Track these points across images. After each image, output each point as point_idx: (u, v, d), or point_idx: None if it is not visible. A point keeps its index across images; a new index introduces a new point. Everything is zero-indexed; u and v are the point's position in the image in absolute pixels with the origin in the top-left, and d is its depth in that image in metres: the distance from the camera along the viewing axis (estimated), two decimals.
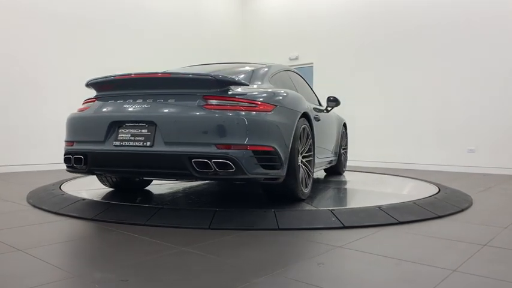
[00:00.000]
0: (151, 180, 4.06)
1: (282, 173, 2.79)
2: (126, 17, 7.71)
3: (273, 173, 2.74)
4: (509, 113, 6.66)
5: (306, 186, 3.18)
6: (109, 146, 2.78)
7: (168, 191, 3.88)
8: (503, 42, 6.72)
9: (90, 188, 3.94)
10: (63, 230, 2.62)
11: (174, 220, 2.68)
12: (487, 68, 6.87)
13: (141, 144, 2.69)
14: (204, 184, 4.26)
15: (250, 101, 2.69)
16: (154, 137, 2.66)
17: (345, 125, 5.46)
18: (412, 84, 7.66)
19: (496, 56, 6.78)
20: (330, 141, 4.49)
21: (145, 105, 2.75)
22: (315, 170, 3.81)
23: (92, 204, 3.13)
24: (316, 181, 4.74)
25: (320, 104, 4.63)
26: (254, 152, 2.59)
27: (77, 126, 2.99)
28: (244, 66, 3.54)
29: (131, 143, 2.72)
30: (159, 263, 1.92)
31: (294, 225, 2.62)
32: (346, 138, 5.60)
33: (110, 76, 2.89)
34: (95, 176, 4.35)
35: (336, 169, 5.22)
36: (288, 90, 3.22)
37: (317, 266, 1.89)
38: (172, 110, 2.69)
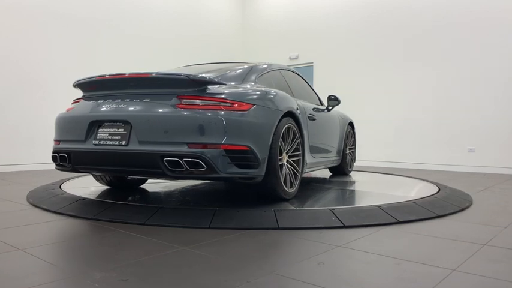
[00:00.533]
0: (146, 179, 4.07)
1: (260, 172, 2.79)
2: (126, 16, 7.70)
3: (249, 172, 2.75)
4: (510, 113, 6.66)
5: (292, 186, 3.16)
6: (89, 145, 2.86)
7: (168, 190, 3.88)
8: (504, 42, 6.71)
9: (90, 187, 3.94)
10: (63, 229, 2.62)
11: (174, 219, 2.68)
12: (487, 68, 6.87)
13: (117, 143, 2.75)
14: (204, 184, 4.26)
15: (225, 100, 2.70)
16: (129, 136, 2.72)
17: (351, 124, 5.32)
18: (413, 84, 7.66)
19: (496, 55, 6.78)
20: (330, 141, 4.45)
21: (122, 105, 2.82)
22: (310, 169, 3.87)
23: (91, 203, 3.13)
24: (317, 180, 4.74)
25: (321, 104, 4.60)
26: (227, 151, 2.61)
27: (62, 125, 3.08)
28: (234, 66, 3.50)
29: (108, 142, 2.79)
30: (159, 262, 1.92)
31: (294, 224, 2.62)
32: (353, 138, 5.44)
33: (92, 77, 2.96)
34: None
35: (340, 169, 5.13)
36: (271, 89, 3.19)
37: (317, 265, 1.89)
38: (146, 109, 2.74)
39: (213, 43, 9.26)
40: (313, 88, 4.73)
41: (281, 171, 3.01)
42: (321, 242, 2.29)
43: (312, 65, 9.02)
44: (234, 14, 10.05)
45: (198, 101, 2.67)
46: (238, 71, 3.32)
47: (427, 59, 7.48)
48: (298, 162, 3.29)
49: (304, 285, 1.64)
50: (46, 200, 3.35)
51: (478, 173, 6.60)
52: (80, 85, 3.10)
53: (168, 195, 3.62)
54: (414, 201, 3.24)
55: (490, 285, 1.69)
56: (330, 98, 4.50)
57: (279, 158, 2.98)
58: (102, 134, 2.84)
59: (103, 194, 3.60)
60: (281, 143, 3.01)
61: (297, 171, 3.25)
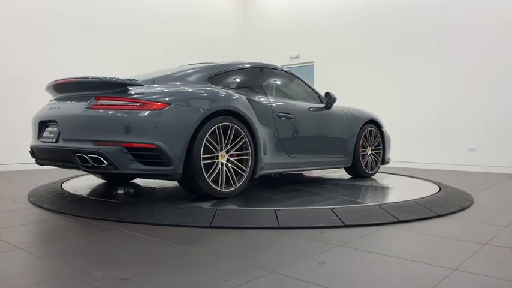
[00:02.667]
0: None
1: (175, 170, 2.84)
2: (126, 16, 7.70)
3: (161, 169, 2.82)
4: (510, 112, 6.66)
5: (229, 185, 3.15)
6: (39, 142, 3.26)
7: (169, 189, 3.88)
8: (504, 42, 6.70)
9: (91, 186, 3.95)
10: (63, 228, 2.63)
11: (175, 218, 2.68)
12: (487, 67, 6.86)
13: (50, 140, 3.10)
14: None
15: (136, 100, 2.82)
16: (58, 134, 3.03)
17: (373, 122, 4.86)
18: (413, 83, 7.65)
19: (496, 55, 6.77)
20: (326, 141, 4.28)
21: (56, 107, 3.17)
22: (285, 170, 3.86)
23: (92, 202, 3.14)
24: (319, 180, 4.73)
25: (321, 102, 4.41)
26: (128, 148, 2.74)
27: (31, 125, 3.47)
28: (188, 67, 3.60)
29: (47, 140, 3.16)
30: (160, 261, 1.92)
31: (294, 223, 2.62)
32: (378, 138, 4.89)
33: (48, 84, 3.32)
34: (94, 175, 4.40)
35: (355, 171, 4.71)
36: (200, 89, 3.17)
37: (318, 264, 1.89)
38: (68, 110, 3.03)
39: (213, 42, 9.25)
40: (312, 87, 4.50)
41: (215, 169, 3.04)
42: (322, 241, 2.29)
43: (313, 65, 9.01)
44: (235, 13, 10.04)
45: (111, 102, 2.84)
46: (181, 73, 3.42)
47: (427, 58, 7.47)
48: (244, 162, 3.27)
49: (305, 285, 1.64)
50: (47, 199, 3.35)
51: (478, 172, 6.60)
52: (46, 90, 3.47)
53: (169, 194, 3.62)
54: (415, 200, 3.24)
55: (490, 284, 1.69)
56: (325, 95, 4.38)
57: (212, 156, 3.03)
58: (46, 133, 3.21)
59: (104, 193, 3.60)
60: (215, 142, 3.05)
61: (242, 170, 3.24)
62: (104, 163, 2.74)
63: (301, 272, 1.78)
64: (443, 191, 3.77)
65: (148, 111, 2.79)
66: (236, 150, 3.23)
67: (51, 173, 5.09)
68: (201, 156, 2.93)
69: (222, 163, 3.11)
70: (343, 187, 4.14)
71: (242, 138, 3.23)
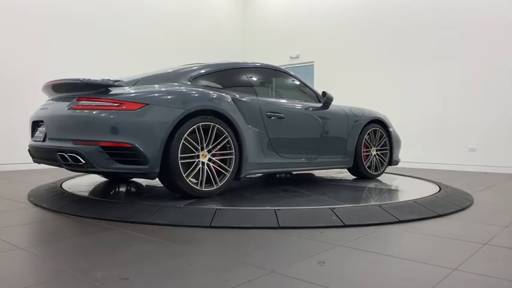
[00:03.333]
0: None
1: (152, 169, 2.89)
2: (126, 16, 7.70)
3: (138, 168, 2.89)
4: (511, 112, 6.65)
5: (211, 184, 3.17)
6: (32, 141, 3.40)
7: None
8: (504, 42, 6.70)
9: (91, 186, 3.95)
10: (63, 228, 2.63)
11: (175, 218, 2.68)
12: (488, 67, 6.85)
13: (39, 139, 3.24)
14: None
15: (114, 101, 2.89)
16: (45, 134, 3.15)
17: (379, 122, 4.72)
18: (413, 83, 7.65)
19: (496, 55, 6.77)
20: (322, 141, 4.16)
21: (46, 107, 3.29)
22: (274, 170, 3.83)
23: (92, 202, 3.14)
24: (321, 180, 4.73)
25: (320, 101, 4.32)
26: (104, 147, 2.80)
27: (28, 124, 3.58)
28: (183, 67, 3.63)
29: (37, 139, 3.29)
30: (160, 261, 1.92)
31: (294, 223, 2.62)
32: (384, 138, 4.74)
33: (43, 85, 3.43)
34: (95, 175, 4.40)
35: (358, 171, 4.58)
36: (181, 90, 3.21)
37: (318, 264, 1.89)
38: (53, 110, 3.15)
39: (213, 42, 9.25)
40: (311, 86, 4.39)
41: (194, 168, 3.07)
42: (322, 241, 2.29)
43: (313, 64, 9.01)
44: (235, 13, 10.04)
45: (90, 102, 2.91)
46: (166, 74, 3.47)
47: (427, 58, 7.47)
48: (227, 161, 3.28)
49: (305, 285, 1.64)
50: (47, 199, 3.35)
51: (478, 173, 6.60)
52: (42, 91, 3.57)
53: (169, 193, 3.62)
54: (415, 200, 3.24)
55: (490, 284, 1.69)
56: (322, 95, 4.30)
57: (192, 155, 3.07)
58: (37, 133, 3.34)
59: (104, 193, 3.61)
60: (196, 141, 3.08)
61: (225, 170, 3.26)
62: (82, 162, 2.83)
63: (301, 272, 1.78)
64: (443, 191, 3.77)
65: (125, 112, 2.85)
66: (220, 150, 3.24)
67: (51, 173, 5.10)
68: (179, 155, 2.96)
69: (203, 162, 3.13)
70: (344, 187, 4.13)
71: (225, 137, 3.23)
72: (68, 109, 2.96)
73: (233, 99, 3.40)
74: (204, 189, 3.12)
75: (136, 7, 7.87)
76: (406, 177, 5.15)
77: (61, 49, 6.76)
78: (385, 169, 4.83)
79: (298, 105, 4.11)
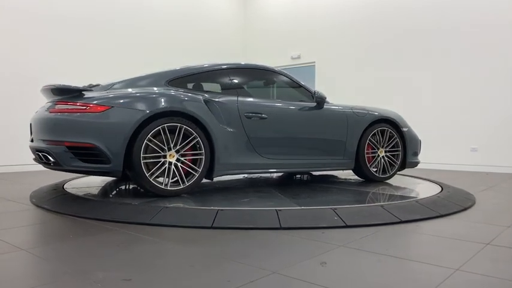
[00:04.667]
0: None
1: (115, 167, 3.04)
2: (127, 16, 7.71)
3: (101, 167, 3.05)
4: None
5: (178, 184, 3.24)
6: (29, 142, 3.55)
7: None
8: (504, 42, 6.69)
9: (93, 187, 3.95)
10: (65, 229, 2.63)
11: (176, 219, 2.68)
12: (489, 67, 6.85)
13: (30, 140, 3.48)
14: (205, 183, 4.26)
15: (82, 104, 3.09)
16: (32, 135, 3.42)
17: (389, 121, 4.42)
18: (414, 83, 7.64)
19: (497, 55, 6.76)
20: (308, 141, 4.00)
21: (37, 111, 3.47)
22: (257, 171, 3.82)
23: (94, 203, 3.14)
24: (322, 180, 4.73)
25: (314, 100, 4.11)
26: (69, 147, 3.02)
27: None
28: (163, 71, 3.74)
29: (30, 140, 3.50)
30: (162, 262, 1.92)
31: (296, 224, 2.62)
32: (395, 138, 4.42)
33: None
34: (97, 176, 4.41)
35: (362, 174, 4.37)
36: (144, 92, 3.32)
37: (319, 265, 1.89)
38: (38, 114, 3.37)
39: (214, 43, 9.25)
40: (305, 86, 4.18)
41: (159, 168, 3.17)
42: (324, 242, 2.29)
43: (314, 65, 9.01)
44: (235, 13, 10.04)
45: (64, 106, 3.14)
46: (143, 77, 3.62)
47: (428, 58, 7.46)
48: (197, 161, 3.32)
49: (307, 285, 1.64)
50: (49, 200, 3.35)
51: (480, 172, 6.59)
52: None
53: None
54: (417, 200, 3.24)
55: (492, 284, 1.68)
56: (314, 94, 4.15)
57: (158, 155, 3.17)
58: (32, 134, 3.50)
59: (106, 194, 3.61)
60: (162, 142, 3.17)
61: (194, 170, 3.30)
62: (51, 160, 3.09)
63: (303, 273, 1.78)
64: (445, 191, 3.76)
65: (90, 114, 3.06)
66: (191, 150, 3.30)
67: (53, 174, 5.10)
68: (141, 155, 3.08)
69: (170, 162, 3.21)
70: (346, 188, 4.13)
71: (194, 138, 3.28)
72: (46, 112, 3.20)
73: (206, 101, 3.43)
74: (169, 188, 3.20)
75: (137, 7, 7.88)
76: (407, 177, 5.14)
77: (61, 49, 6.76)
78: (396, 172, 4.53)
79: (287, 105, 4.00)
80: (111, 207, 2.97)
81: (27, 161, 6.19)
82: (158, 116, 3.15)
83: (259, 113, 3.69)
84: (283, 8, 9.54)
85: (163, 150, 3.18)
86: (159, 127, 3.14)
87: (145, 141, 3.08)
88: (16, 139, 6.10)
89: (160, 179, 3.23)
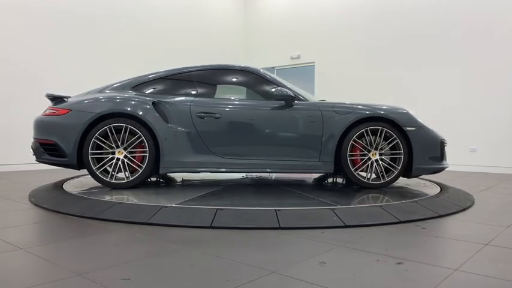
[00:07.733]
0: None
1: (70, 161, 3.65)
2: (127, 15, 7.70)
3: (60, 160, 3.69)
4: (511, 112, 6.65)
5: (124, 178, 3.69)
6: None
7: (169, 189, 3.89)
8: (504, 42, 6.69)
9: (92, 186, 3.95)
10: (64, 228, 2.63)
11: (176, 219, 2.68)
12: (488, 67, 6.85)
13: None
14: (205, 184, 4.26)
15: (55, 109, 3.79)
16: None
17: (388, 120, 3.77)
18: (414, 83, 7.64)
19: (497, 55, 6.76)
20: (270, 142, 3.80)
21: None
22: (211, 169, 3.78)
23: (93, 202, 3.14)
24: (319, 181, 4.73)
25: (298, 99, 3.88)
26: (40, 143, 3.76)
27: None
28: (133, 78, 4.14)
29: None
30: (161, 261, 1.92)
31: (295, 224, 2.62)
32: (395, 139, 3.74)
33: None
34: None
35: (348, 178, 3.87)
36: (98, 96, 3.84)
37: (318, 265, 1.89)
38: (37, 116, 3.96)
39: (214, 43, 9.25)
40: (281, 84, 3.92)
41: (107, 163, 3.68)
42: (323, 242, 2.29)
43: (314, 65, 9.01)
44: (236, 13, 10.04)
45: (48, 110, 3.83)
46: (113, 83, 4.10)
47: (428, 59, 7.46)
48: (143, 159, 3.68)
49: (306, 285, 1.64)
50: (48, 200, 3.35)
51: (480, 173, 6.59)
52: None
53: (170, 194, 3.63)
54: (416, 200, 3.24)
55: (491, 285, 1.68)
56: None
57: (107, 151, 3.66)
58: None
59: (105, 194, 3.61)
60: (110, 140, 3.64)
61: (139, 166, 3.67)
62: (32, 153, 3.82)
63: (302, 273, 1.78)
64: (444, 192, 3.77)
65: (56, 116, 3.73)
66: (139, 148, 3.69)
67: (52, 174, 5.10)
68: (89, 151, 3.62)
69: (118, 158, 3.67)
70: (345, 188, 4.13)
71: (139, 137, 3.64)
72: (39, 115, 3.88)
73: (155, 103, 3.74)
74: (114, 181, 3.67)
75: (137, 7, 7.88)
76: (407, 178, 5.13)
77: (62, 50, 6.75)
78: (395, 178, 3.88)
79: (247, 105, 3.90)
80: (110, 206, 2.97)
81: (27, 161, 6.21)
82: (107, 117, 3.63)
83: (212, 113, 3.76)
84: (283, 8, 9.54)
85: (111, 147, 3.67)
86: (106, 127, 3.62)
87: (93, 139, 3.60)
88: (16, 139, 6.10)
89: (121, 175, 3.71)
